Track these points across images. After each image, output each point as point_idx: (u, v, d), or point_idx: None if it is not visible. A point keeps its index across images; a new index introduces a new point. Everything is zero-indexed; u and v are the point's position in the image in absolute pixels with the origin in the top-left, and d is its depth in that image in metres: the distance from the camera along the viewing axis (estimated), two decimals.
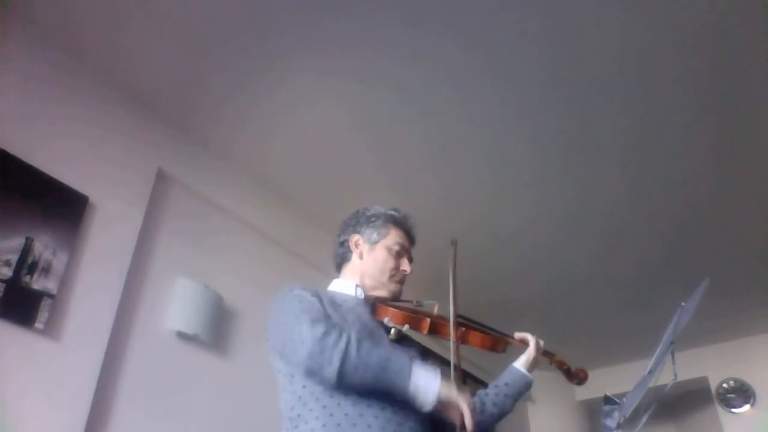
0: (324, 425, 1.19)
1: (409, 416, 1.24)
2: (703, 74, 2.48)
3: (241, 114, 2.67)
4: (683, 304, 1.60)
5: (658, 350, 1.63)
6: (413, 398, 1.20)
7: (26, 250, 1.99)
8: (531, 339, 1.54)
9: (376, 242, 1.53)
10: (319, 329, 1.21)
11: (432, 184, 3.16)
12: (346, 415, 1.19)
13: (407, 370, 1.21)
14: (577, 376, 1.61)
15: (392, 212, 1.58)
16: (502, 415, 1.45)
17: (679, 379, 1.63)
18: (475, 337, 1.48)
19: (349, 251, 1.56)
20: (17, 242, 1.98)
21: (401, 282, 1.54)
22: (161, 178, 2.60)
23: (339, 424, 1.18)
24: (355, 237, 1.56)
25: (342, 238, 1.58)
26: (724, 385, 4.72)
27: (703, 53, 2.38)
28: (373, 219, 1.57)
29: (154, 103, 2.60)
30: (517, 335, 1.55)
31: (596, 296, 4.08)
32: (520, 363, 1.51)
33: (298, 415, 1.24)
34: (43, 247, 2.04)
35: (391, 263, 1.51)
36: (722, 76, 2.49)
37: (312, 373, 1.22)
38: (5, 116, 2.08)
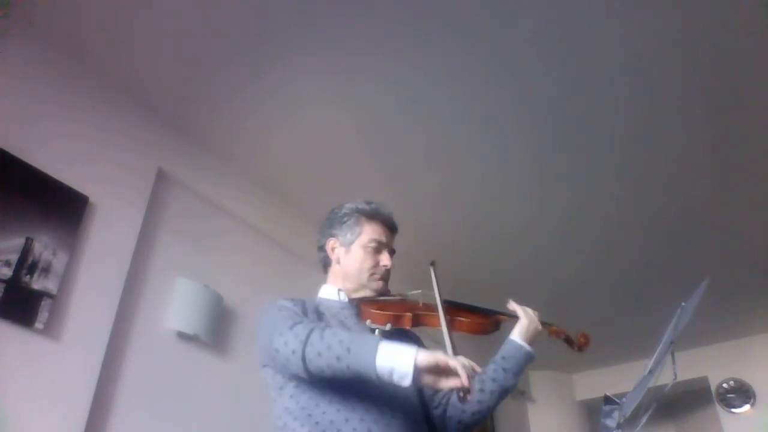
0: None
1: (396, 418, 1.22)
2: (702, 74, 2.48)
3: (241, 114, 2.67)
4: (683, 304, 1.59)
5: (658, 350, 1.63)
6: (389, 376, 1.04)
7: (26, 250, 1.99)
8: (518, 308, 1.45)
9: (351, 243, 1.47)
10: (298, 328, 1.18)
11: (431, 184, 3.16)
12: (331, 422, 1.18)
13: (374, 343, 1.06)
14: (578, 343, 1.57)
15: (362, 206, 1.50)
16: (503, 391, 1.38)
17: (679, 379, 1.62)
18: (461, 323, 1.40)
19: (328, 256, 1.51)
20: (17, 242, 1.98)
21: (384, 278, 1.46)
22: (161, 178, 2.60)
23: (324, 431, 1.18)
24: (331, 241, 1.51)
25: (320, 243, 1.54)
26: (724, 385, 4.73)
27: (702, 53, 2.38)
28: (344, 219, 1.49)
29: (154, 103, 2.60)
30: (509, 307, 1.47)
31: (596, 296, 4.08)
32: (515, 334, 1.42)
33: (285, 424, 1.23)
34: (43, 247, 2.04)
35: (369, 262, 1.45)
36: (722, 76, 2.49)
37: (288, 370, 1.21)
38: (5, 116, 2.08)
